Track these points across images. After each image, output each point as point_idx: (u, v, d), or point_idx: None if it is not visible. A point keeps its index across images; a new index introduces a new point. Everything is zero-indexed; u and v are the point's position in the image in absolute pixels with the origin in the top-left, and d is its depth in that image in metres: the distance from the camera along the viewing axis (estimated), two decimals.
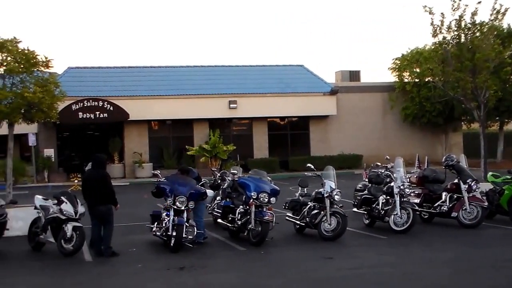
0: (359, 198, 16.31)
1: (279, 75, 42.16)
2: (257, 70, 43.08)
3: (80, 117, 35.92)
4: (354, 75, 44.89)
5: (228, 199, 15.07)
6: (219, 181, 16.60)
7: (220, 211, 15.36)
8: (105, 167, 13.55)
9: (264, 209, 13.64)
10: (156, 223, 13.97)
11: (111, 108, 36.42)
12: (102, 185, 13.01)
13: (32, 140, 35.34)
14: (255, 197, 13.58)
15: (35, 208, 14.08)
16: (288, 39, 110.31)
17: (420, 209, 15.77)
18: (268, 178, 14.98)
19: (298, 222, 14.89)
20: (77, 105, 35.73)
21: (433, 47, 38.85)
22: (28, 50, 17.13)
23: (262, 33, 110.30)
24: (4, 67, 17.09)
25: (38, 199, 14.22)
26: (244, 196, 13.98)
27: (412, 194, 15.72)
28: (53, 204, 13.43)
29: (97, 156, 13.79)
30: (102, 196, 12.96)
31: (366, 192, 16.21)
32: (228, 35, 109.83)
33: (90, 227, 13.60)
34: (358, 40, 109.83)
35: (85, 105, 36.00)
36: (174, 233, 12.89)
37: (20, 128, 19.47)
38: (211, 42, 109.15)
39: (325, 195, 14.05)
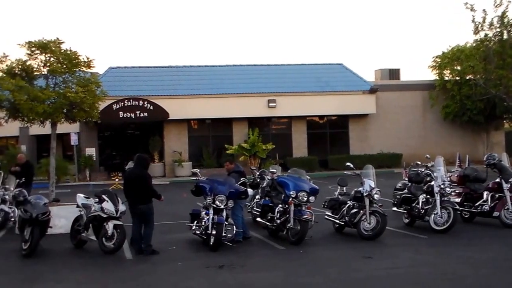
0: (399, 197, 16.18)
1: (318, 73, 42.00)
2: (296, 69, 42.97)
3: (120, 116, 36.31)
4: (393, 73, 44.51)
5: (267, 198, 15.08)
6: (258, 180, 16.64)
7: (259, 210, 15.40)
8: (147, 167, 13.65)
9: (303, 208, 13.63)
10: (195, 221, 14.06)
11: (151, 108, 36.74)
12: (143, 184, 13.13)
13: (74, 140, 35.87)
14: (294, 196, 13.58)
15: (77, 206, 14.28)
16: (327, 37, 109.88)
17: (461, 208, 15.58)
18: (307, 177, 14.97)
19: (337, 221, 14.84)
20: (117, 105, 36.13)
21: (474, 45, 38.43)
22: (70, 50, 17.34)
23: (301, 32, 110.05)
24: (48, 68, 17.31)
25: (80, 198, 14.43)
26: (283, 195, 13.98)
27: (452, 193, 15.51)
28: (95, 203, 13.61)
29: (140, 155, 13.94)
30: (143, 195, 13.07)
31: (406, 191, 16.08)
32: (268, 34, 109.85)
33: (131, 225, 13.77)
34: (398, 38, 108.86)
35: (126, 105, 36.38)
36: (213, 232, 12.96)
37: (63, 127, 19.74)
38: (251, 41, 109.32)
39: (365, 194, 13.98)
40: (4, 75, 16.97)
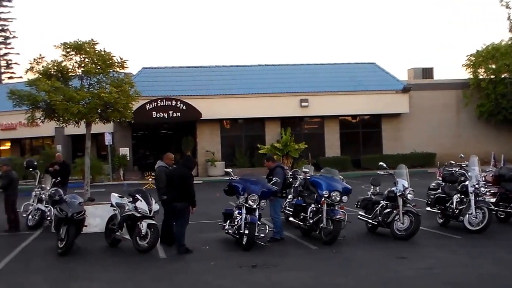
0: (433, 197, 16.05)
1: (351, 73, 41.80)
2: (329, 68, 42.83)
3: (154, 116, 36.58)
4: (427, 72, 44.08)
5: (300, 198, 15.08)
6: (290, 180, 16.64)
7: (292, 209, 15.39)
8: (192, 169, 13.70)
9: (336, 208, 13.59)
10: (228, 221, 14.12)
11: (184, 107, 36.94)
12: (184, 183, 13.15)
13: (108, 139, 36.23)
14: (327, 195, 13.55)
15: (112, 205, 14.43)
16: (360, 37, 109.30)
17: (496, 208, 15.39)
18: (340, 176, 14.92)
19: (370, 221, 14.77)
20: (151, 105, 36.41)
21: (510, 42, 37.89)
22: (104, 51, 17.50)
23: (334, 31, 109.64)
24: (82, 69, 17.49)
25: (114, 197, 14.57)
26: (315, 195, 13.95)
27: (487, 193, 15.34)
28: (129, 202, 13.74)
29: (188, 157, 14.13)
30: (181, 193, 13.08)
31: (439, 191, 15.93)
32: (301, 33, 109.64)
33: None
34: (431, 37, 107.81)
35: (159, 105, 36.64)
36: (246, 231, 12.99)
37: (97, 127, 19.94)
38: (283, 41, 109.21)
39: (398, 194, 13.89)
40: (40, 76, 17.18)
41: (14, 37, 77.33)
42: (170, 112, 36.80)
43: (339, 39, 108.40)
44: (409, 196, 13.85)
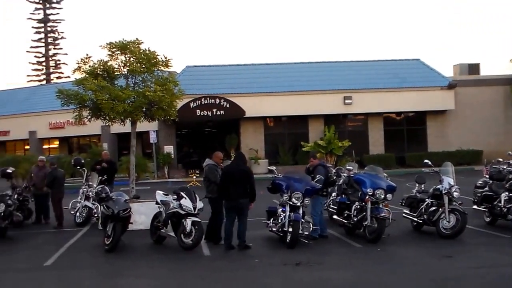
0: (480, 195, 15.82)
1: (395, 69, 41.42)
2: (372, 65, 42.51)
3: (198, 114, 36.82)
4: (473, 68, 43.36)
5: (343, 196, 15.03)
6: (334, 177, 16.57)
7: (336, 207, 15.34)
8: (246, 163, 13.79)
9: (380, 206, 13.49)
10: (272, 219, 14.14)
11: (228, 105, 37.09)
12: (246, 179, 13.24)
13: (153, 138, 36.59)
14: (371, 193, 13.46)
15: (156, 203, 14.55)
16: (405, 33, 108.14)
17: None
18: (384, 174, 14.82)
19: (416, 219, 14.63)
20: (195, 103, 36.65)
21: None
22: (149, 50, 17.63)
23: (379, 28, 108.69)
24: (127, 68, 17.66)
25: (159, 195, 14.70)
26: (359, 193, 13.88)
27: None
28: (173, 200, 13.86)
29: (240, 152, 14.26)
30: (245, 190, 13.18)
31: (487, 188, 15.70)
32: (345, 30, 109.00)
33: (207, 222, 13.97)
34: (478, 32, 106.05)
35: (203, 103, 36.87)
36: (290, 229, 13.00)
37: (142, 126, 20.12)
38: (325, 38, 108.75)
39: (444, 192, 13.72)
40: (87, 75, 17.40)
41: (62, 38, 78.64)
42: (214, 110, 36.99)
43: (383, 36, 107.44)
44: (455, 194, 13.67)
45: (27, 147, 50.70)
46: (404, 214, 15.10)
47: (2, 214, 15.61)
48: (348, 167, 15.75)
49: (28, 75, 79.44)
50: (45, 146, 50.60)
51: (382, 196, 13.48)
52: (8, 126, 50.29)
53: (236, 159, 13.98)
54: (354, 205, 13.97)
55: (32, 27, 77.67)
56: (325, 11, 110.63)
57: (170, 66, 18.14)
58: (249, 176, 13.37)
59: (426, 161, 14.92)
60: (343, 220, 14.43)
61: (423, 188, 15.18)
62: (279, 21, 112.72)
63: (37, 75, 78.53)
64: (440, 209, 13.75)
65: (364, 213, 13.55)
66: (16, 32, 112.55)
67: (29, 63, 78.88)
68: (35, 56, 78.42)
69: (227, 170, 13.71)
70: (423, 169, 15.43)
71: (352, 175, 14.89)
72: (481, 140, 39.04)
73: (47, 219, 18.52)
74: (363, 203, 13.64)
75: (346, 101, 38.84)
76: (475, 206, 16.00)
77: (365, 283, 10.25)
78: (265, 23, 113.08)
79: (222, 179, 13.54)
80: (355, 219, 13.84)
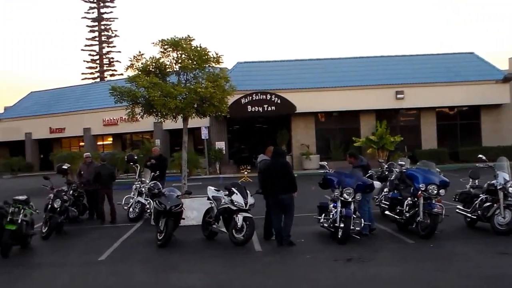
0: None
1: (448, 63, 40.81)
2: (425, 59, 41.97)
3: (249, 110, 36.94)
4: None
5: (395, 191, 14.89)
6: (386, 173, 16.41)
7: (388, 203, 15.20)
8: (285, 158, 13.74)
9: (433, 201, 13.29)
10: (323, 214, 14.09)
11: (279, 101, 37.11)
12: (284, 173, 13.20)
13: (204, 134, 36.86)
14: (423, 188, 13.29)
15: (208, 198, 14.67)
16: (459, 26, 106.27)
17: None
18: (437, 169, 14.58)
19: (469, 215, 14.38)
20: (246, 99, 36.78)
21: None
22: (200, 47, 17.72)
23: (432, 22, 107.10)
24: (179, 65, 17.79)
25: (211, 190, 14.80)
26: (412, 188, 13.71)
27: None
28: (225, 195, 13.95)
29: (277, 148, 14.25)
30: (285, 184, 13.15)
31: None
32: (396, 24, 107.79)
33: (262, 217, 14.00)
34: None
35: (254, 99, 36.97)
36: (341, 225, 12.94)
37: (194, 122, 20.26)
38: (377, 32, 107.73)
39: (499, 187, 13.45)
40: (140, 73, 17.60)
41: (115, 36, 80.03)
42: (265, 106, 37.05)
43: (436, 29, 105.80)
44: (511, 190, 13.38)
45: (82, 143, 51.78)
46: (457, 210, 14.86)
47: (58, 209, 15.95)
48: (400, 162, 15.57)
49: (82, 73, 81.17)
50: (99, 143, 51.56)
51: (435, 192, 13.29)
52: (64, 124, 51.42)
53: (274, 155, 13.89)
54: (406, 201, 13.82)
55: (87, 26, 79.32)
56: (377, 6, 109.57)
57: (221, 62, 18.20)
58: (286, 169, 13.32)
59: (480, 156, 14.64)
60: (395, 216, 14.29)
61: (477, 184, 14.91)
62: (329, 16, 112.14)
63: (91, 73, 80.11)
64: (495, 205, 13.49)
65: (417, 209, 13.39)
66: (72, 31, 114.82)
67: (84, 61, 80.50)
68: (90, 54, 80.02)
69: (265, 167, 13.78)
70: (477, 164, 15.14)
71: (404, 170, 14.72)
72: None
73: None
74: (416, 199, 13.47)
75: (398, 95, 38.45)
76: None
77: (417, 279, 10.11)
78: (316, 18, 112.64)
79: (261, 176, 13.59)
80: (407, 215, 13.68)
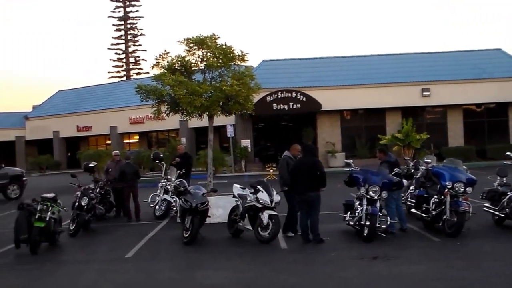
0: None
1: (475, 60, 40.44)
2: (451, 56, 41.63)
3: (274, 108, 36.95)
4: None
5: (422, 189, 14.79)
6: (412, 170, 16.32)
7: (414, 200, 15.11)
8: (316, 155, 13.70)
9: (460, 199, 13.18)
10: (349, 212, 14.06)
11: (304, 99, 37.07)
12: (314, 171, 13.17)
13: (230, 132, 36.94)
14: (450, 186, 13.18)
15: (234, 196, 14.69)
16: (486, 23, 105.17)
17: None
18: (464, 167, 14.47)
19: (497, 213, 14.24)
20: (271, 97, 36.78)
21: None
22: (225, 45, 17.73)
23: (457, 19, 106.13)
24: (205, 63, 17.83)
25: (236, 188, 14.82)
26: (438, 186, 13.61)
27: None
28: (250, 193, 13.96)
29: (307, 144, 14.22)
30: (313, 182, 13.15)
31: None
32: (421, 21, 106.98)
33: (285, 215, 14.01)
34: None
35: (279, 97, 36.96)
36: (367, 223, 12.90)
37: (219, 120, 20.29)
38: (403, 30, 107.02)
39: None
40: (165, 71, 17.67)
41: (141, 34, 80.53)
42: (290, 103, 37.04)
43: (463, 26, 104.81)
44: None
45: (108, 141, 52.19)
46: (485, 208, 14.73)
47: (86, 207, 16.11)
48: (426, 160, 15.47)
49: (109, 72, 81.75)
50: (125, 141, 51.90)
51: (462, 189, 13.17)
52: (90, 122, 51.88)
53: (305, 152, 13.89)
54: (433, 199, 13.72)
55: (113, 24, 79.83)
56: (402, 2, 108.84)
57: (247, 60, 18.21)
58: (317, 167, 13.28)
59: (508, 153, 14.51)
60: (421, 214, 14.20)
61: (505, 181, 14.76)
62: (354, 14, 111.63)
63: (118, 72, 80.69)
64: None
65: (443, 207, 13.28)
66: (98, 30, 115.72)
67: (110, 60, 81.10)
68: (116, 53, 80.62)
69: (295, 164, 13.75)
70: (504, 162, 15.02)
71: (430, 168, 14.63)
72: None
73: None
74: (442, 196, 13.37)
75: (424, 93, 38.20)
76: None
77: (444, 278, 10.03)
78: (341, 15, 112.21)
79: (291, 173, 13.57)
80: (434, 213, 13.59)
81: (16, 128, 57.51)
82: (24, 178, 28.73)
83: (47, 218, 13.69)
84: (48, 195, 14.31)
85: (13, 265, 12.72)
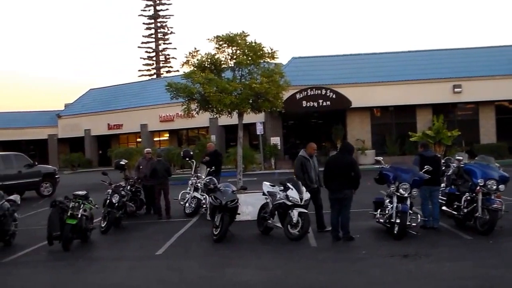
0: None
1: (508, 55, 39.85)
2: (483, 52, 41.10)
3: (303, 105, 36.86)
4: None
5: (453, 186, 14.65)
6: (443, 168, 16.17)
7: (445, 198, 14.97)
8: (352, 154, 13.65)
9: (492, 197, 13.02)
10: (379, 210, 13.98)
11: (334, 96, 36.92)
12: (349, 170, 13.11)
13: (259, 129, 36.95)
14: (482, 184, 13.02)
15: (263, 194, 14.70)
16: None
17: None
18: (496, 164, 14.28)
19: None
20: (300, 94, 36.71)
21: None
22: (255, 43, 17.74)
23: (490, 14, 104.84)
24: (234, 60, 17.86)
25: (266, 186, 14.83)
26: (470, 183, 13.47)
27: None
28: (280, 191, 13.94)
29: (346, 142, 14.21)
30: (348, 180, 13.11)
31: None
32: (452, 17, 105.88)
33: (314, 212, 13.99)
34: None
35: (309, 94, 36.88)
36: (397, 220, 12.82)
37: (249, 117, 20.33)
38: (433, 26, 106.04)
39: None
40: (195, 69, 17.73)
41: (171, 33, 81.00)
42: (320, 101, 36.92)
43: (495, 22, 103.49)
44: None
45: (139, 139, 52.55)
46: None
47: (117, 204, 16.27)
48: (458, 157, 15.34)
49: (139, 70, 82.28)
50: (155, 139, 52.21)
51: (494, 187, 13.01)
52: (121, 120, 52.28)
53: (342, 149, 13.86)
54: (464, 196, 13.58)
55: (143, 23, 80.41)
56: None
57: (276, 57, 18.20)
58: (352, 166, 13.19)
59: None
60: (453, 212, 14.07)
61: None
62: (384, 10, 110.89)
63: (148, 70, 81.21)
64: None
65: (475, 204, 13.14)
66: (129, 29, 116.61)
67: (141, 58, 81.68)
68: (146, 51, 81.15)
69: (330, 161, 13.69)
70: None
71: (462, 165, 14.48)
72: None
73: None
74: (474, 194, 13.22)
75: (456, 89, 37.80)
76: None
77: (477, 276, 9.93)
78: (371, 12, 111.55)
79: (326, 170, 13.50)
80: (465, 211, 13.45)
81: (48, 126, 58.31)
82: (56, 176, 29.14)
83: (79, 216, 13.86)
84: (80, 192, 14.48)
85: (46, 261, 12.92)
